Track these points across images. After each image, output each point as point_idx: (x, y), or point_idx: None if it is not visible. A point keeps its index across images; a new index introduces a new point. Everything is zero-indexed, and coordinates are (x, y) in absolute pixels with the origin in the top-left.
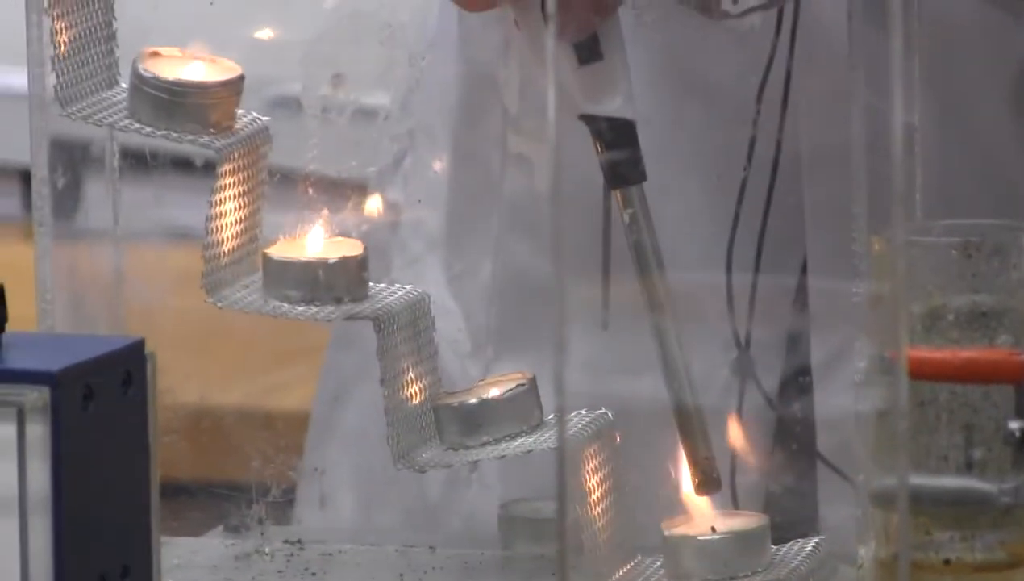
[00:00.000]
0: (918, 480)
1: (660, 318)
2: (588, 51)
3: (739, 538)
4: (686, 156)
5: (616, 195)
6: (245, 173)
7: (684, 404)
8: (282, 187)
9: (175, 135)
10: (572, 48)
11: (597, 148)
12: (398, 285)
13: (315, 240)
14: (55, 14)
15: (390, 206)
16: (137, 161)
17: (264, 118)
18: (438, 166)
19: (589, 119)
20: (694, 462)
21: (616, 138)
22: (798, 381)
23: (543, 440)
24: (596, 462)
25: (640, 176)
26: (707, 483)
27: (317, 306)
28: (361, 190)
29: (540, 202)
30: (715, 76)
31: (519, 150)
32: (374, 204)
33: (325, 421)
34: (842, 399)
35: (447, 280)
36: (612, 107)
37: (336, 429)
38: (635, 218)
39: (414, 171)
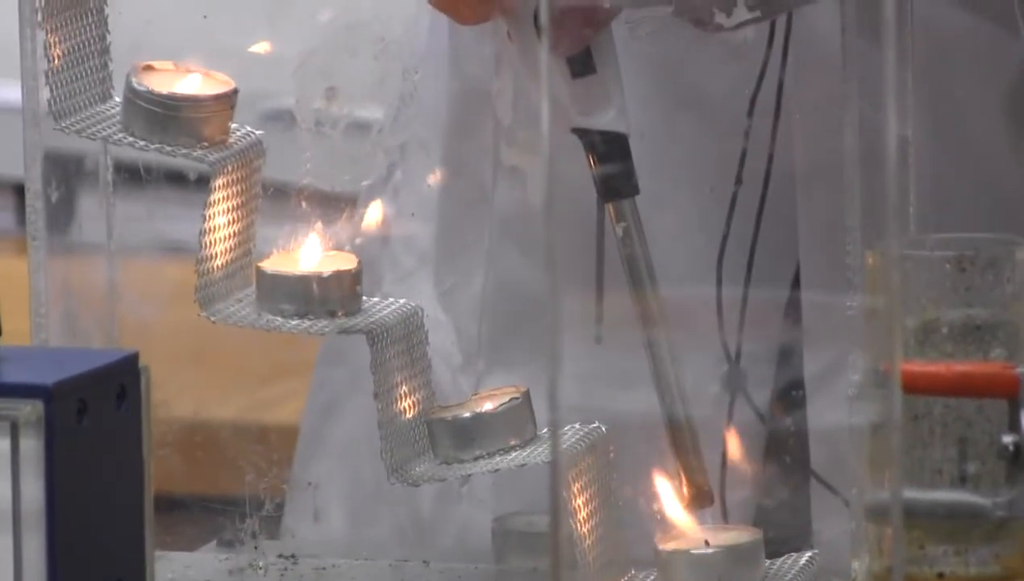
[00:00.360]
0: (912, 494)
1: (652, 332)
2: (581, 64)
3: (733, 552)
4: (680, 169)
5: (609, 208)
6: (239, 187)
7: (676, 418)
8: (276, 201)
9: (168, 149)
10: (565, 61)
11: (590, 161)
12: (391, 299)
13: (309, 254)
14: (49, 28)
15: (382, 220)
16: (131, 175)
17: (257, 132)
18: (430, 179)
19: (582, 132)
20: (686, 476)
21: (609, 151)
22: (790, 395)
23: (537, 454)
24: (589, 476)
25: (633, 189)
26: (699, 497)
27: (311, 320)
28: (355, 204)
29: (532, 215)
30: (709, 88)
31: (512, 162)
32: (367, 217)
33: (315, 436)
34: (835, 413)
35: (439, 293)
36: (605, 120)
37: (327, 444)
38: (628, 232)
39: (406, 184)
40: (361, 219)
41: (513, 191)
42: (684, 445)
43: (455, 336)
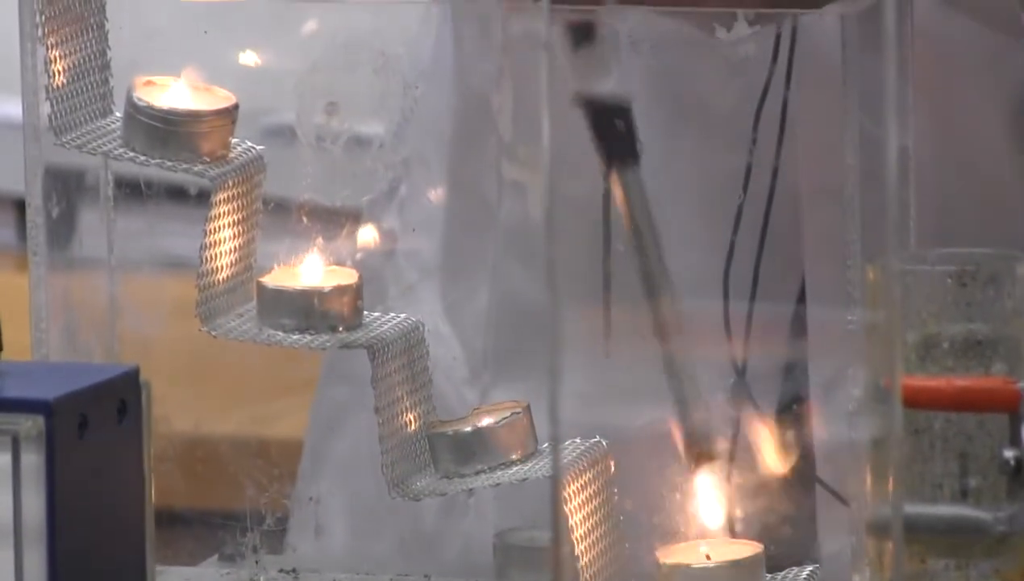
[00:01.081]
0: (913, 508)
1: (657, 299)
2: (582, 35)
3: (734, 567)
4: (683, 182)
5: (612, 178)
6: (239, 202)
7: (677, 379)
8: (277, 216)
9: (169, 164)
10: (567, 31)
11: (591, 130)
12: (392, 314)
13: (310, 269)
14: (50, 43)
15: (385, 234)
16: (132, 190)
17: (258, 147)
18: (433, 194)
19: (584, 101)
20: (684, 434)
21: (611, 119)
22: (795, 409)
23: (538, 468)
24: (591, 491)
25: (634, 157)
26: (700, 457)
27: (312, 335)
28: (356, 219)
29: (536, 229)
30: (711, 103)
31: (514, 177)
32: (369, 233)
33: (318, 451)
34: (838, 427)
35: (443, 307)
36: (606, 88)
37: (330, 459)
38: (633, 204)
39: (410, 199)
40: (364, 234)
41: (518, 205)
42: (685, 404)
43: (460, 350)
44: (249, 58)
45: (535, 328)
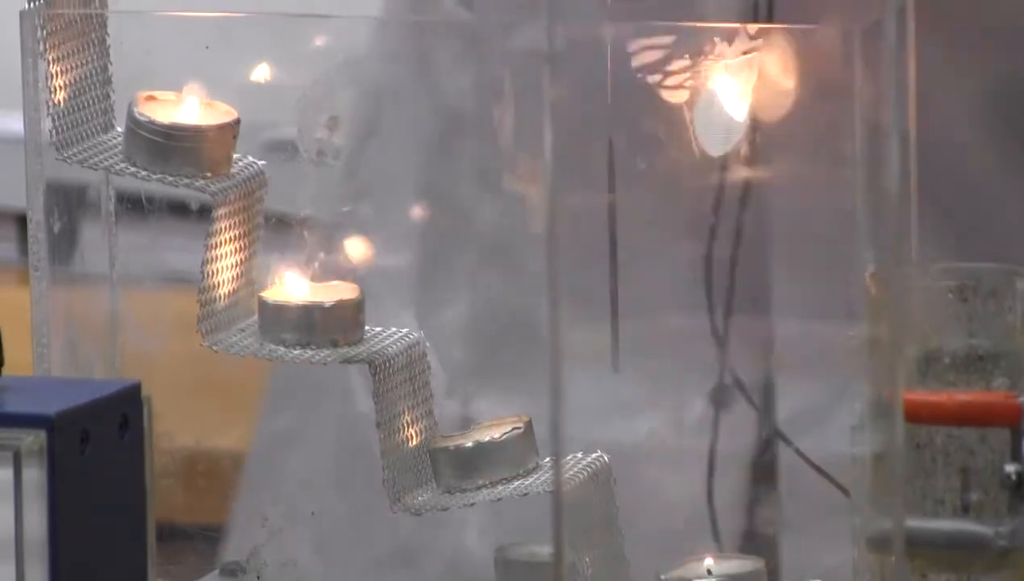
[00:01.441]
0: (914, 523)
1: None
2: None
3: None
4: (663, 198)
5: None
6: (241, 217)
7: None
8: (277, 231)
9: (170, 179)
10: None
11: None
12: (394, 328)
13: (311, 283)
14: (51, 59)
15: (363, 249)
16: (133, 205)
17: (260, 162)
18: (408, 208)
19: None
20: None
21: None
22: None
23: (539, 483)
24: (592, 505)
25: None
26: None
27: (313, 349)
28: (350, 233)
29: (515, 239)
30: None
31: (514, 190)
32: (348, 247)
33: (264, 471)
34: (827, 443)
35: (423, 319)
36: None
37: (278, 479)
38: None
39: (383, 214)
40: (343, 248)
41: (494, 216)
42: None
43: (439, 362)
44: (250, 73)
45: (515, 337)
